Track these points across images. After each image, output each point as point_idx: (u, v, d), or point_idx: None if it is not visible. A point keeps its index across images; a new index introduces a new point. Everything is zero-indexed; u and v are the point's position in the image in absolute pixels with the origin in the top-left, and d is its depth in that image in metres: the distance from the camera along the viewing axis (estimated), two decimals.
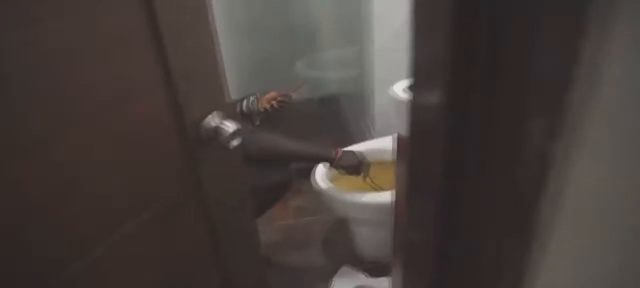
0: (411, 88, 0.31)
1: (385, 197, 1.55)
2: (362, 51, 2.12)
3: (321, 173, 1.67)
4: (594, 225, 0.27)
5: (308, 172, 1.77)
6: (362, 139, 2.32)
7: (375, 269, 1.79)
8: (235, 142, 0.78)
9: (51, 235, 0.62)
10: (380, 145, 1.80)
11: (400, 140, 1.12)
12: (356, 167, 1.53)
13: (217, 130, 0.78)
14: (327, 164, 1.58)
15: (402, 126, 1.06)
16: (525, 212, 0.26)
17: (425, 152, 0.32)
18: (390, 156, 1.77)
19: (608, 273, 0.28)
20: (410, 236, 0.41)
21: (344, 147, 1.58)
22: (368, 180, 1.63)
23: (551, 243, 0.28)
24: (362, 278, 1.75)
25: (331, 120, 2.93)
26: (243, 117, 1.57)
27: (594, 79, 0.21)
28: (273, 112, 1.59)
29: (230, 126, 0.77)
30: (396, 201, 1.33)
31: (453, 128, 0.27)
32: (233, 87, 1.93)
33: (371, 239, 1.80)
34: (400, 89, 1.00)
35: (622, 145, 0.23)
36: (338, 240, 1.99)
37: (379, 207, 1.56)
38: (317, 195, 1.68)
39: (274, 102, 1.58)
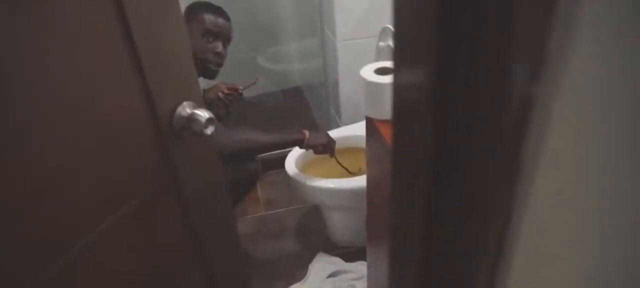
0: (395, 58, 0.33)
1: (357, 182, 1.58)
2: (324, 42, 2.13)
3: (292, 162, 1.68)
4: (577, 167, 0.29)
5: (276, 164, 1.77)
6: (329, 127, 2.35)
7: (350, 254, 1.82)
8: (209, 130, 0.77)
9: (25, 237, 0.61)
10: (347, 133, 1.83)
11: (369, 123, 1.14)
12: (325, 145, 1.57)
13: (190, 119, 0.78)
14: (297, 148, 1.60)
15: (371, 109, 1.09)
16: (511, 157, 0.28)
17: (411, 129, 0.33)
18: (358, 142, 1.80)
19: (592, 211, 0.30)
20: (395, 219, 0.42)
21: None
22: (336, 158, 1.66)
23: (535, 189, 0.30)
24: (339, 263, 1.77)
25: (296, 111, 2.94)
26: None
27: (570, 25, 0.23)
28: (219, 103, 1.55)
29: (203, 114, 0.77)
30: (368, 185, 1.37)
31: (440, 95, 0.28)
32: None
33: (344, 225, 1.83)
34: (369, 71, 1.02)
35: (601, 87, 0.25)
36: (311, 229, 2.01)
37: (351, 192, 1.59)
38: (288, 185, 1.69)
39: (220, 94, 1.54)
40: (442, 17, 0.25)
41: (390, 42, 1.61)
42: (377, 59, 1.74)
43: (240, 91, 1.56)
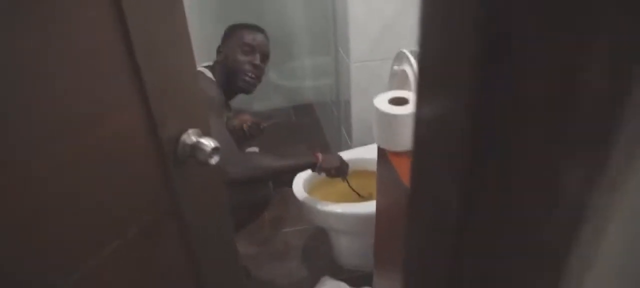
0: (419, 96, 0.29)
1: (366, 207, 1.54)
2: (337, 61, 2.11)
3: (300, 184, 1.65)
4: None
5: (283, 183, 1.74)
6: (339, 147, 2.31)
7: (356, 279, 1.77)
8: (214, 160, 0.75)
9: (17, 266, 0.58)
10: (359, 155, 1.79)
11: (381, 152, 1.11)
12: (338, 168, 1.53)
13: (194, 148, 0.75)
14: (310, 171, 1.59)
15: (384, 140, 1.06)
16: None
17: (435, 172, 0.29)
18: (368, 166, 1.76)
19: None
20: (410, 267, 0.38)
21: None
22: (348, 182, 1.63)
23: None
24: None
25: (307, 129, 2.91)
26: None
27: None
28: (240, 133, 1.63)
29: (208, 143, 0.74)
30: (377, 213, 1.33)
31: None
32: None
33: (352, 248, 1.78)
34: (383, 101, 0.99)
35: None
36: (317, 250, 1.97)
37: (360, 218, 1.55)
38: (294, 205, 1.66)
39: (245, 125, 1.63)
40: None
41: (405, 67, 1.58)
42: (391, 82, 1.71)
43: (262, 127, 1.63)
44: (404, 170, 0.99)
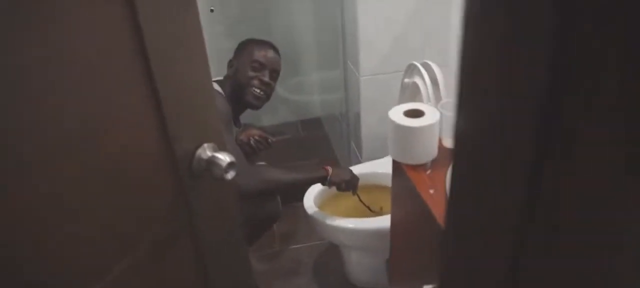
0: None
1: (378, 222, 1.52)
2: (346, 75, 2.10)
3: (311, 199, 1.63)
4: None
5: (293, 197, 1.72)
6: (348, 162, 2.29)
7: None
8: (230, 175, 0.73)
9: (23, 284, 0.56)
10: (369, 169, 1.77)
11: (396, 165, 1.09)
12: (349, 182, 1.51)
13: (210, 163, 0.73)
14: (320, 185, 1.57)
15: (399, 153, 1.04)
16: None
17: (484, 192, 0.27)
18: (379, 180, 1.74)
19: None
20: None
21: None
22: (358, 196, 1.60)
23: None
24: None
25: (315, 143, 2.89)
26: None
27: None
28: (247, 148, 1.63)
29: (224, 158, 0.72)
30: (392, 226, 1.31)
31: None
32: None
33: (364, 264, 1.75)
34: (398, 113, 0.97)
35: None
36: (328, 267, 1.94)
37: (372, 233, 1.52)
38: (305, 220, 1.63)
39: (252, 139, 1.62)
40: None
41: (417, 79, 1.57)
42: (402, 95, 1.70)
43: (270, 142, 1.63)
44: (421, 183, 0.97)
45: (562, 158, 0.22)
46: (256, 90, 1.48)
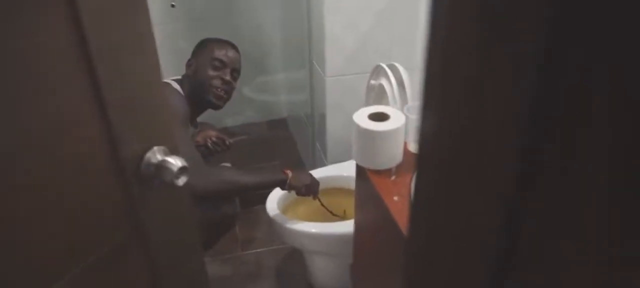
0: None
1: (341, 227, 1.48)
2: (312, 75, 2.06)
3: (274, 202, 1.58)
4: None
5: (256, 200, 1.67)
6: (313, 163, 2.26)
7: None
8: (181, 181, 0.68)
9: None
10: (333, 172, 1.74)
11: (360, 170, 1.06)
12: (308, 186, 1.47)
13: (160, 167, 0.68)
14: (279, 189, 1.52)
15: (363, 158, 1.01)
16: None
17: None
18: (343, 183, 1.71)
19: None
20: None
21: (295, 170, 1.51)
22: (320, 201, 1.56)
23: None
24: None
25: (280, 144, 2.85)
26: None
27: None
28: (203, 150, 1.58)
29: (175, 163, 0.67)
30: (356, 231, 1.28)
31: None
32: None
33: (327, 269, 1.72)
34: (363, 116, 0.94)
35: None
36: (292, 271, 1.90)
37: (335, 238, 1.49)
38: (267, 224, 1.59)
39: (208, 141, 1.58)
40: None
41: (383, 81, 1.54)
42: (368, 97, 1.67)
43: (227, 144, 1.59)
44: (385, 189, 0.94)
45: (547, 170, 0.19)
46: (218, 89, 1.44)
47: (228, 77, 1.46)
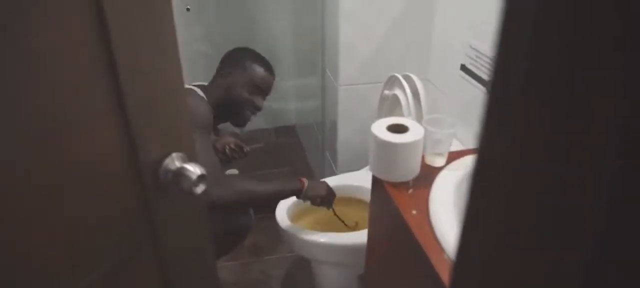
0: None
1: (353, 238, 1.46)
2: (324, 83, 2.05)
3: (283, 210, 1.56)
4: None
5: (263, 208, 1.65)
6: (322, 172, 2.24)
7: None
8: (199, 189, 0.66)
9: None
10: (345, 182, 1.72)
11: (376, 181, 1.04)
12: (324, 197, 1.44)
13: (178, 174, 0.66)
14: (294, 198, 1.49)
15: (381, 170, 0.99)
16: None
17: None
18: (354, 193, 1.69)
19: None
20: None
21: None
22: (334, 211, 1.54)
23: None
24: None
25: (288, 151, 2.83)
26: None
27: None
28: (222, 157, 1.57)
29: (194, 170, 0.66)
30: (369, 243, 1.25)
31: None
32: None
33: (335, 280, 1.69)
34: (381, 128, 0.92)
35: None
36: (298, 281, 1.88)
37: (346, 249, 1.47)
38: (275, 232, 1.57)
39: (227, 148, 1.56)
40: None
41: (397, 91, 1.53)
42: (381, 107, 1.66)
43: (245, 151, 1.58)
44: (402, 202, 0.92)
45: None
46: (249, 113, 1.44)
47: (261, 104, 1.45)
